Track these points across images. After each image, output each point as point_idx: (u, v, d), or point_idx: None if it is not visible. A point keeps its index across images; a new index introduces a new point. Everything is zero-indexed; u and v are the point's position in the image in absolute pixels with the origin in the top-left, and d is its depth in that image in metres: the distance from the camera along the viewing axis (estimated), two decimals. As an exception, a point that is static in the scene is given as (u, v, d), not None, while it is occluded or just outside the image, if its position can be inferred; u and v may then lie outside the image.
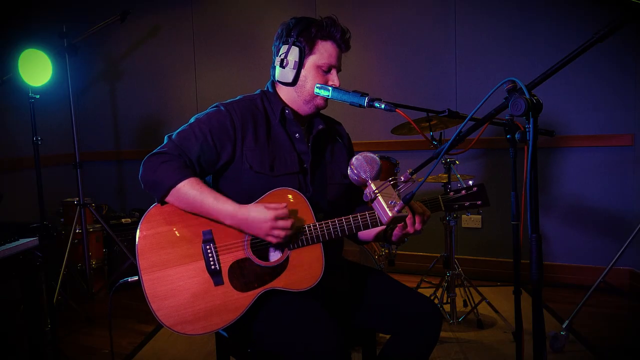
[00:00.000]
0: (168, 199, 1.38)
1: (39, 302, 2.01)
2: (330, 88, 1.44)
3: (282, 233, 1.34)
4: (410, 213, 1.40)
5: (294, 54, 1.48)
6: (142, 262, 1.36)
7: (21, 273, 1.95)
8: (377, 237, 1.57)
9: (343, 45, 1.50)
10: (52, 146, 3.78)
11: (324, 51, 1.47)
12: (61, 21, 3.29)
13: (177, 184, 1.35)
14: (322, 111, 1.59)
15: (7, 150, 3.53)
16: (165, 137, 1.45)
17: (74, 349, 2.62)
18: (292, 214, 1.38)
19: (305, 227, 1.39)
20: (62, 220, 3.52)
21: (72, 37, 3.19)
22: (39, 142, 2.87)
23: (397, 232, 1.44)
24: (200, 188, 1.37)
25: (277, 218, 1.33)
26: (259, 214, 1.34)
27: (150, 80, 4.23)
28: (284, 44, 1.50)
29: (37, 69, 2.86)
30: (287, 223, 1.34)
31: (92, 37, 3.45)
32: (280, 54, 1.51)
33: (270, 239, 1.35)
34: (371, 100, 1.36)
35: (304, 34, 1.47)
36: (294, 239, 1.39)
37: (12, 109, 3.50)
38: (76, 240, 3.36)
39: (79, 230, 3.35)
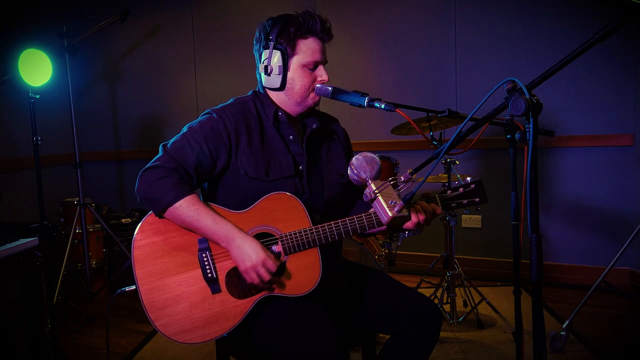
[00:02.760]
0: (165, 215, 1.36)
1: (39, 302, 2.00)
2: (330, 88, 1.41)
3: (256, 279, 1.32)
4: (422, 213, 1.39)
5: (276, 58, 1.42)
6: (139, 272, 1.35)
7: (21, 273, 1.95)
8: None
9: (325, 37, 1.45)
10: (52, 146, 3.78)
11: (306, 49, 1.42)
12: (61, 21, 3.29)
13: (173, 203, 1.33)
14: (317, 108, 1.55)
15: (7, 150, 3.52)
16: (160, 146, 1.41)
17: (74, 349, 2.62)
18: (286, 218, 1.38)
19: (301, 232, 1.38)
20: (62, 220, 3.51)
21: (72, 37, 3.19)
22: (39, 142, 2.87)
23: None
24: (197, 208, 1.34)
25: (264, 264, 1.32)
26: (251, 249, 1.32)
27: (150, 80, 4.23)
28: (264, 48, 1.44)
29: (37, 69, 2.86)
30: (267, 276, 1.32)
31: (92, 37, 3.44)
32: (262, 60, 1.45)
33: (247, 276, 1.34)
34: (371, 100, 1.35)
35: (284, 35, 1.41)
36: (267, 284, 1.36)
37: (12, 109, 3.49)
38: (76, 240, 3.36)
39: (79, 230, 3.35)
